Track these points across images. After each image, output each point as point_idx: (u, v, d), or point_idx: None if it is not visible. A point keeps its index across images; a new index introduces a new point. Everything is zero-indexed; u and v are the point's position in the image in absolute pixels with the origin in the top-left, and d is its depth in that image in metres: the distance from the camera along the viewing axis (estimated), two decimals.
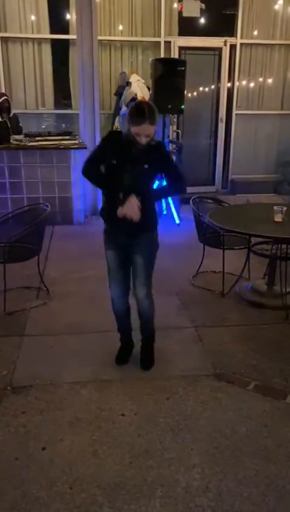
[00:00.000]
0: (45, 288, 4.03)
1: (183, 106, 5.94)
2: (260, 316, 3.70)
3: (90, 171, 2.69)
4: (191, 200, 4.27)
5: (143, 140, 2.46)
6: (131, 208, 2.54)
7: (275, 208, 3.69)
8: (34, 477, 2.11)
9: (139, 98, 6.79)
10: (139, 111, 2.46)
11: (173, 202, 6.18)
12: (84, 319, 3.58)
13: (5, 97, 6.07)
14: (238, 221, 3.82)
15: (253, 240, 4.02)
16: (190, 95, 7.79)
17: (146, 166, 2.55)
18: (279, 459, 2.24)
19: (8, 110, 6.14)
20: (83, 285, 4.22)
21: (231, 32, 7.72)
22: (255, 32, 7.74)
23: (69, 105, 7.71)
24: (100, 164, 2.65)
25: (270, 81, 8.04)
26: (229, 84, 7.91)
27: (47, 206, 3.85)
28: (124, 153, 2.54)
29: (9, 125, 6.02)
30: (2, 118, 6.00)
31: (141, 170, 2.55)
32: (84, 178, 2.73)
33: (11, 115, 6.23)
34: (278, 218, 3.67)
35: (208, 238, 4.07)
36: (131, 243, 2.71)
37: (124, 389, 2.75)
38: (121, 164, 2.55)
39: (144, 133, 2.45)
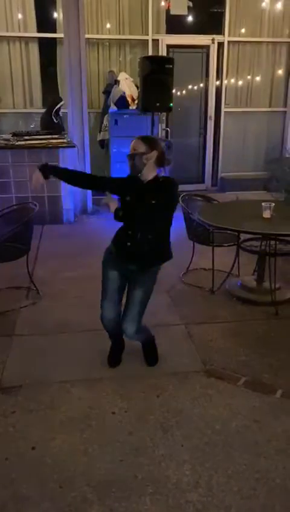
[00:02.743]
0: (34, 288, 4.01)
1: (171, 104, 5.95)
2: (250, 312, 3.72)
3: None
4: (180, 198, 4.26)
5: (131, 151, 2.56)
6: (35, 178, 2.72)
7: (263, 204, 3.71)
8: (24, 477, 2.10)
9: (127, 96, 6.80)
10: None
11: None
12: (74, 318, 3.57)
13: None
14: (227, 218, 3.83)
15: (242, 236, 4.04)
16: (178, 93, 7.80)
17: (153, 202, 2.54)
18: (269, 454, 2.25)
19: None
20: (73, 285, 4.20)
21: (219, 30, 7.74)
22: (243, 30, 7.76)
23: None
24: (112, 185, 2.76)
25: (258, 78, 8.07)
26: (217, 82, 7.93)
27: (35, 205, 3.84)
28: (134, 190, 2.59)
29: None
30: None
31: (150, 206, 2.54)
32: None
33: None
34: (266, 214, 3.69)
35: (197, 235, 4.07)
36: (134, 273, 2.70)
37: (115, 387, 2.74)
38: (133, 199, 2.59)
39: (132, 146, 2.58)
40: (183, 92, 7.91)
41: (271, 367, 2.95)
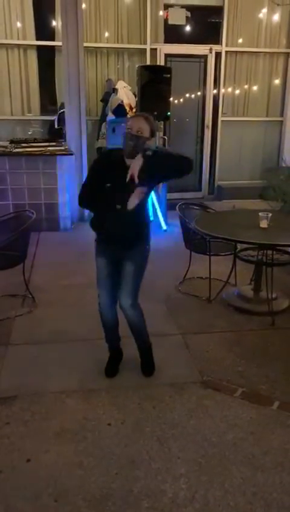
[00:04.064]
0: (30, 296, 3.99)
1: (169, 113, 5.95)
2: (247, 322, 3.71)
3: (89, 202, 2.70)
4: (177, 207, 4.27)
5: (134, 132, 2.41)
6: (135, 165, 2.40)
7: (260, 214, 3.71)
8: (19, 490, 2.07)
9: (125, 104, 6.82)
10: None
11: (160, 208, 6.19)
12: (71, 327, 3.55)
13: None
14: (224, 227, 3.82)
15: (239, 246, 4.04)
16: (176, 101, 7.83)
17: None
18: (266, 467, 2.23)
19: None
20: (69, 293, 4.19)
21: (216, 40, 7.79)
22: (240, 40, 7.81)
23: (55, 112, 7.69)
24: (97, 192, 2.59)
25: (255, 88, 8.12)
26: (214, 91, 7.97)
27: (32, 213, 3.82)
28: (118, 173, 2.47)
29: None
30: None
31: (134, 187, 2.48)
32: (83, 208, 2.68)
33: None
34: (263, 224, 3.69)
35: (194, 244, 4.07)
36: (123, 253, 2.70)
37: (111, 398, 2.72)
38: (116, 185, 2.53)
39: (136, 126, 2.43)
40: (181, 100, 7.95)
41: (268, 378, 2.94)
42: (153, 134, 2.52)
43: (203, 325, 3.65)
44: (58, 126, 6.73)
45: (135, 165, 2.37)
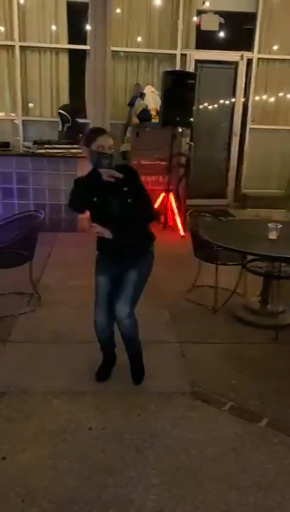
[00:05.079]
0: (37, 295, 4.05)
1: (192, 119, 5.94)
2: (249, 335, 3.63)
3: (77, 209, 2.75)
4: (187, 214, 4.24)
5: (107, 150, 2.48)
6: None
7: (269, 225, 3.63)
8: None
9: (152, 109, 6.85)
10: (93, 129, 2.67)
11: (179, 214, 6.16)
12: (70, 328, 3.57)
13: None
14: (233, 237, 3.77)
15: (248, 256, 3.96)
16: (204, 107, 7.80)
17: (125, 189, 2.53)
18: (241, 486, 2.17)
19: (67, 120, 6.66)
20: (76, 294, 4.22)
21: (249, 47, 7.70)
22: (273, 47, 7.69)
23: (84, 114, 7.80)
24: (84, 203, 2.65)
25: (287, 96, 7.97)
26: (244, 98, 7.88)
27: (41, 213, 3.88)
28: (101, 186, 2.51)
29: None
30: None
31: (124, 195, 2.53)
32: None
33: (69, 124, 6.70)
34: (272, 235, 3.61)
35: (202, 252, 4.02)
36: (128, 263, 2.70)
37: (96, 402, 2.72)
38: (103, 198, 2.55)
39: (107, 143, 2.50)
40: (209, 107, 7.90)
41: (260, 394, 2.86)
42: None
43: (204, 334, 3.60)
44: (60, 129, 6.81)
45: (108, 171, 2.46)
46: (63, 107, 6.88)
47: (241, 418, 2.64)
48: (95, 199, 2.55)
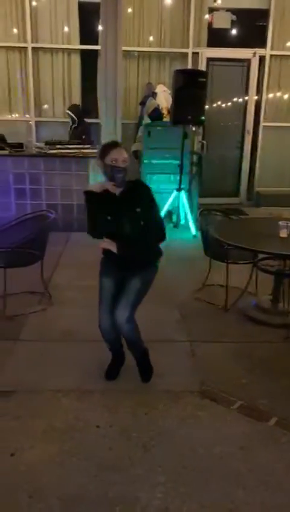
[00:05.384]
0: (48, 294, 4.08)
1: (203, 117, 5.90)
2: (260, 334, 3.60)
3: (97, 236, 2.72)
4: (198, 213, 4.22)
5: (121, 164, 2.50)
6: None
7: (280, 223, 3.60)
8: None
9: (163, 108, 6.84)
10: (107, 143, 2.64)
11: (191, 213, 6.14)
12: (80, 327, 3.59)
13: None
14: (243, 235, 3.74)
15: (259, 254, 3.93)
16: (216, 105, 7.76)
17: (138, 210, 2.55)
18: (248, 485, 2.16)
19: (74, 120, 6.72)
20: (87, 293, 4.20)
21: (261, 44, 7.64)
22: (286, 44, 7.61)
23: (96, 114, 7.83)
24: (101, 227, 2.65)
25: None
26: (257, 96, 7.82)
27: (51, 213, 3.90)
28: (114, 206, 2.55)
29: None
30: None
31: (137, 217, 2.55)
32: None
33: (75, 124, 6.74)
34: (283, 233, 3.57)
35: (212, 251, 4.01)
36: (129, 273, 2.71)
37: (105, 400, 2.73)
38: (116, 217, 2.57)
39: (121, 157, 2.51)
40: (222, 105, 7.86)
41: (270, 393, 2.84)
42: None
43: (214, 333, 3.58)
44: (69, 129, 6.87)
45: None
46: (71, 108, 6.91)
47: (250, 417, 2.63)
48: (109, 218, 2.58)
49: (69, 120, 6.89)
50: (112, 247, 2.61)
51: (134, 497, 2.07)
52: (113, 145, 2.58)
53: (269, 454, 2.35)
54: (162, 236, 2.75)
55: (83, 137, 6.49)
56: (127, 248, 2.61)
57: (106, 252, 2.74)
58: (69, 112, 6.73)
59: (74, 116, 6.65)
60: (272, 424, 2.58)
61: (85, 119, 6.94)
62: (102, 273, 2.79)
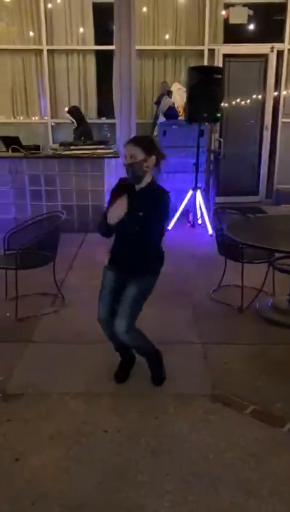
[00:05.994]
0: (60, 296, 4.05)
1: (219, 115, 5.80)
2: (275, 335, 3.48)
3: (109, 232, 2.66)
4: (212, 211, 4.13)
5: (128, 160, 2.47)
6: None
7: None
8: (0, 488, 2.09)
9: (179, 106, 6.76)
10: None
11: (208, 212, 6.04)
12: (92, 329, 3.48)
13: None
14: (259, 234, 3.64)
15: (276, 253, 3.81)
16: (234, 102, 7.63)
17: (141, 214, 2.47)
18: (260, 494, 2.06)
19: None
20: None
21: (279, 38, 7.47)
22: None
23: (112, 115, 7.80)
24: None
25: None
26: (275, 92, 7.65)
27: (62, 213, 3.87)
28: (130, 198, 2.48)
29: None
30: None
31: (135, 219, 2.48)
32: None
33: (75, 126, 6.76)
34: None
35: (227, 250, 3.91)
36: (128, 275, 2.67)
37: (113, 404, 2.67)
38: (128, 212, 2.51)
39: (129, 153, 2.47)
40: (240, 101, 7.72)
41: (285, 397, 2.73)
42: (149, 152, 2.48)
43: (228, 335, 3.49)
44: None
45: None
46: (69, 110, 6.86)
47: (264, 422, 2.53)
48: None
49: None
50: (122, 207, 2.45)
51: (140, 506, 2.00)
52: (126, 142, 2.58)
53: (283, 462, 2.25)
54: (154, 254, 2.69)
55: (82, 138, 6.46)
56: (125, 246, 2.62)
57: (111, 251, 2.74)
58: (68, 115, 6.70)
59: (71, 118, 6.63)
60: (286, 429, 2.48)
61: (86, 120, 6.92)
62: (107, 265, 2.81)
